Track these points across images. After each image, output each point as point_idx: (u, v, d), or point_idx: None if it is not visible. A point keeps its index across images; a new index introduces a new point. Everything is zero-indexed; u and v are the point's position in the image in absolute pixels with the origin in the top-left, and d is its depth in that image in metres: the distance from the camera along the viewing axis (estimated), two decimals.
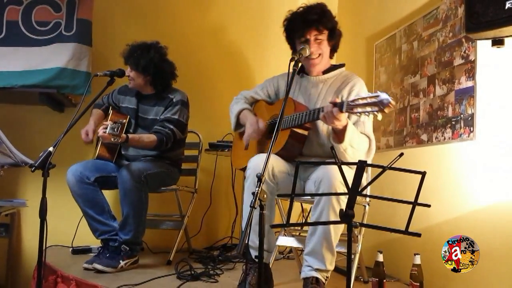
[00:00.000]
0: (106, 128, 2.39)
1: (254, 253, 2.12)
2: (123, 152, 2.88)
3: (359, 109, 1.76)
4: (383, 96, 1.69)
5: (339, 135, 1.99)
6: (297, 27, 2.25)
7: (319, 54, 2.24)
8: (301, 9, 2.26)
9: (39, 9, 3.20)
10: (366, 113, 1.74)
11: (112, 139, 2.37)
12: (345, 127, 1.94)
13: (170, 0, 3.77)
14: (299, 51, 2.07)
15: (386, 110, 1.69)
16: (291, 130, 2.14)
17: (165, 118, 2.77)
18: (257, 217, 1.54)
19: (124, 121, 2.42)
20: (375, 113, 1.71)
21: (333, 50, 2.35)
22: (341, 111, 1.83)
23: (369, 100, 1.73)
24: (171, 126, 2.74)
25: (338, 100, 1.87)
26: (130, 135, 2.55)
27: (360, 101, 1.76)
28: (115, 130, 2.35)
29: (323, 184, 1.94)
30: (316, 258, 2.02)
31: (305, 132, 2.18)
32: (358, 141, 2.06)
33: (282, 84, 2.42)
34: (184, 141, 3.02)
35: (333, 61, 2.39)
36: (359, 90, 2.21)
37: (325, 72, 2.31)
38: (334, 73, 2.32)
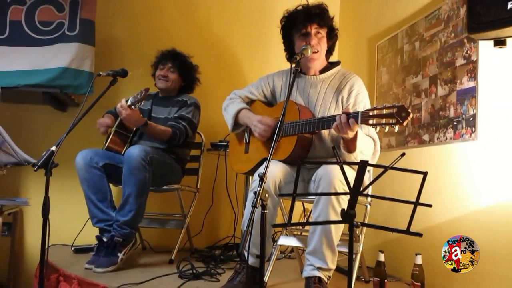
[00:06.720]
0: (127, 100, 2.50)
1: (251, 259, 2.07)
2: (135, 140, 2.91)
3: (375, 121, 1.71)
4: (402, 108, 1.63)
5: (349, 144, 1.97)
6: (298, 20, 2.23)
7: (318, 51, 2.23)
8: (300, 7, 2.26)
9: (42, 9, 3.21)
10: (383, 125, 1.69)
11: (134, 106, 2.47)
12: (355, 136, 1.92)
13: (173, 2, 3.78)
14: (301, 51, 2.06)
15: (404, 123, 1.64)
16: (298, 136, 2.10)
17: (179, 115, 2.87)
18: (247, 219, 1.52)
19: (147, 87, 2.49)
20: (392, 126, 1.66)
21: (329, 52, 2.36)
22: (356, 122, 1.80)
23: (385, 112, 1.68)
24: (185, 123, 2.84)
25: (350, 110, 1.84)
26: (149, 121, 2.65)
27: (376, 112, 1.71)
28: (138, 96, 2.45)
29: (322, 182, 1.93)
30: (317, 257, 2.00)
31: (311, 136, 2.16)
32: (367, 146, 2.04)
33: (277, 84, 2.38)
34: (193, 143, 3.10)
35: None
36: (359, 89, 2.21)
37: (322, 71, 2.30)
38: (332, 72, 2.30)
